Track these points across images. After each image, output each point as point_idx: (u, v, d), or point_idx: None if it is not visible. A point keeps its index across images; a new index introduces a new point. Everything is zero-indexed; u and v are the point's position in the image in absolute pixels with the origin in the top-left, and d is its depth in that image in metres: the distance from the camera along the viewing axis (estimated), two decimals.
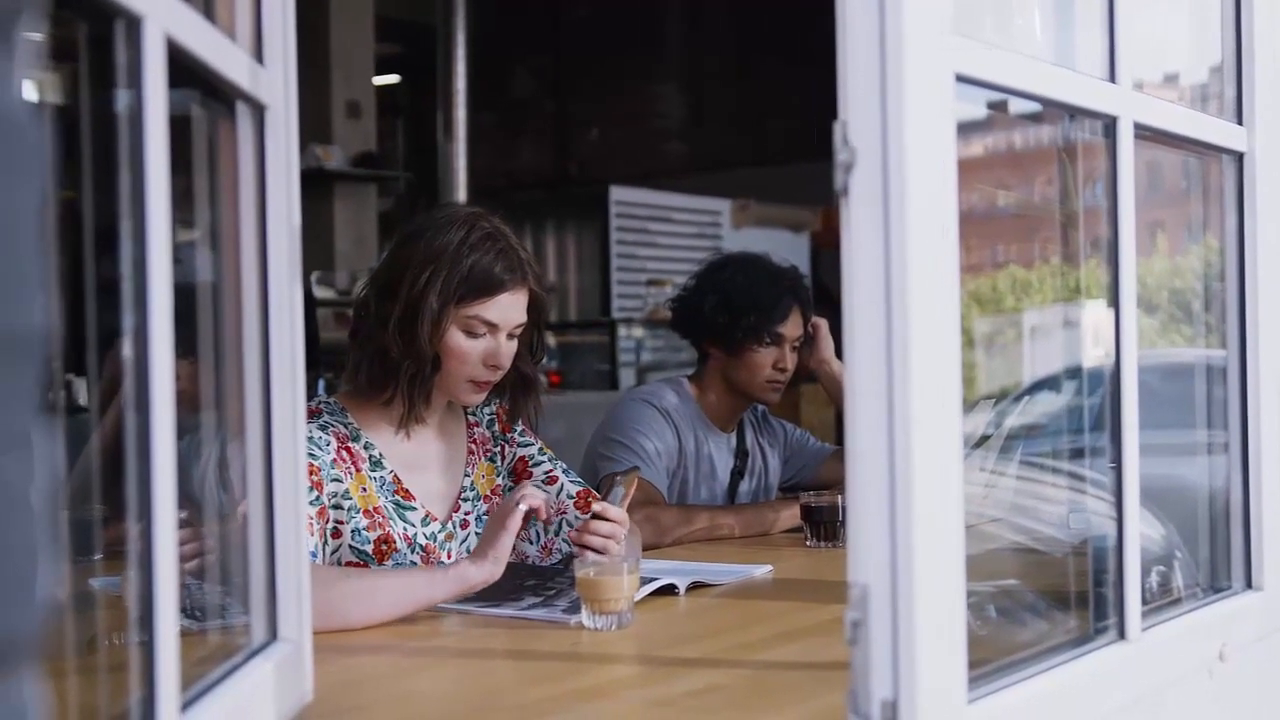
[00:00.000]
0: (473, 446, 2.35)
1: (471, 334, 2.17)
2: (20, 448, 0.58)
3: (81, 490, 1.71)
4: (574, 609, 1.90)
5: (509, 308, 2.19)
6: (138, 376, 1.00)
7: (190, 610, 1.30)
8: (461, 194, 8.55)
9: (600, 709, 1.51)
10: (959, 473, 1.22)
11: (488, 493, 2.35)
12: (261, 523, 1.36)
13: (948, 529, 1.20)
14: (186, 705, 1.09)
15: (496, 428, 2.39)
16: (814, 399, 6.81)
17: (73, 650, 1.17)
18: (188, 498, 1.12)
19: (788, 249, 6.78)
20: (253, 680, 1.26)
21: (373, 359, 2.18)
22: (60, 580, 0.61)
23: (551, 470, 2.38)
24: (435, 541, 2.24)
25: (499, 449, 2.39)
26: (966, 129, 1.28)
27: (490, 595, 2.02)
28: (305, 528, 1.42)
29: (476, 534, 2.29)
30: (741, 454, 3.13)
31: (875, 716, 1.16)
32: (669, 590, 2.09)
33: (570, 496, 2.33)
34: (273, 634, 1.36)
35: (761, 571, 2.33)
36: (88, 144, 1.02)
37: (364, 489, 2.17)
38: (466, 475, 2.32)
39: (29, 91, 0.60)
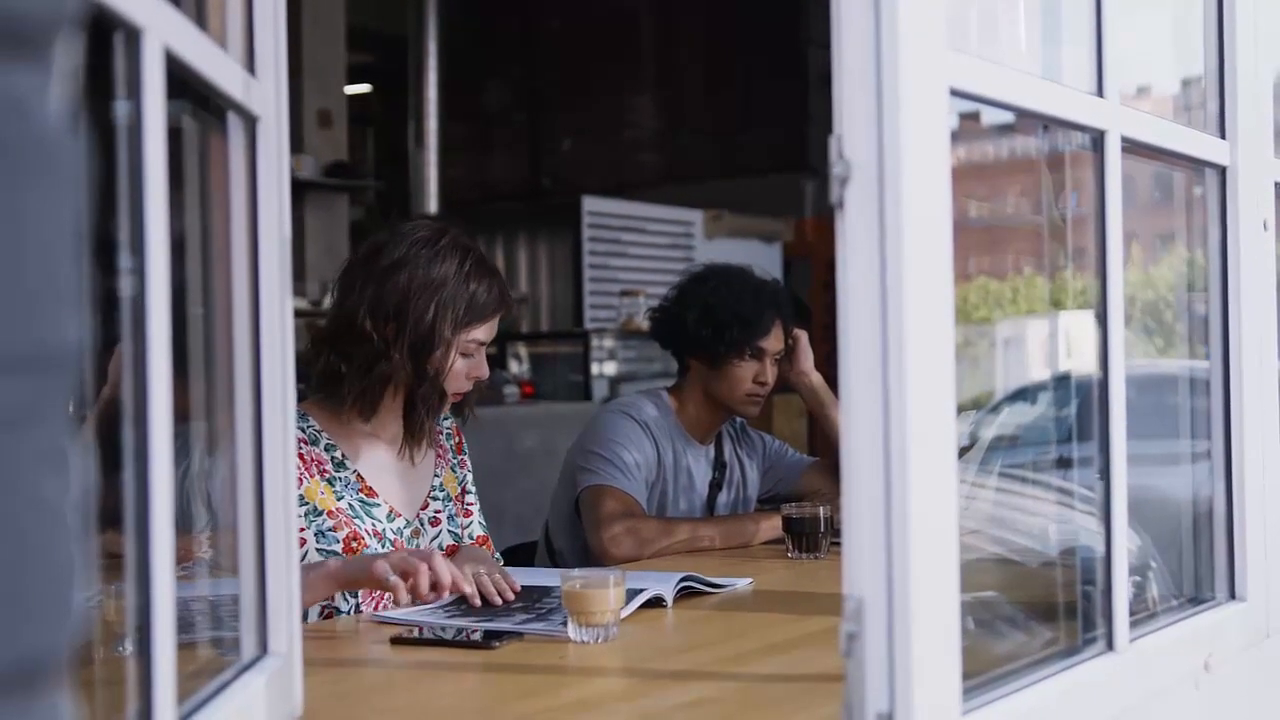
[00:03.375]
0: (440, 450, 2.44)
1: (466, 354, 2.29)
2: (56, 465, 0.57)
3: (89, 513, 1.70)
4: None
5: (495, 325, 2.33)
6: (135, 387, 0.99)
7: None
8: (433, 204, 8.53)
9: None
10: (954, 485, 1.22)
11: (456, 494, 2.45)
12: (252, 537, 1.35)
13: (943, 541, 1.20)
14: None
15: (453, 443, 2.50)
16: (786, 410, 6.82)
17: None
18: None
19: (760, 260, 6.78)
20: (244, 695, 1.25)
21: (380, 384, 2.24)
22: (90, 597, 0.61)
23: (473, 504, 2.50)
24: (402, 537, 2.30)
25: (459, 461, 2.50)
26: None
27: (482, 613, 2.01)
28: (296, 542, 1.41)
29: (450, 531, 2.40)
30: (720, 466, 3.13)
31: None
32: (656, 603, 2.09)
33: (471, 537, 2.43)
34: (263, 649, 1.35)
35: (743, 584, 2.33)
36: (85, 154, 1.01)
37: (321, 492, 2.22)
38: (436, 475, 2.41)
39: (65, 107, 0.59)
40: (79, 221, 0.59)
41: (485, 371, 2.32)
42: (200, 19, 1.24)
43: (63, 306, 0.58)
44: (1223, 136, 1.82)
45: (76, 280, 0.59)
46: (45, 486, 0.57)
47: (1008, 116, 1.56)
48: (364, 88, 10.09)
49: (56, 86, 0.58)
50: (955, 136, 1.51)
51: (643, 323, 7.00)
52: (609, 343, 7.62)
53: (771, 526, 2.80)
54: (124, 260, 1.00)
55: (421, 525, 2.35)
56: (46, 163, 0.57)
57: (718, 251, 7.66)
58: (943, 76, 1.20)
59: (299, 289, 6.96)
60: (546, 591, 2.16)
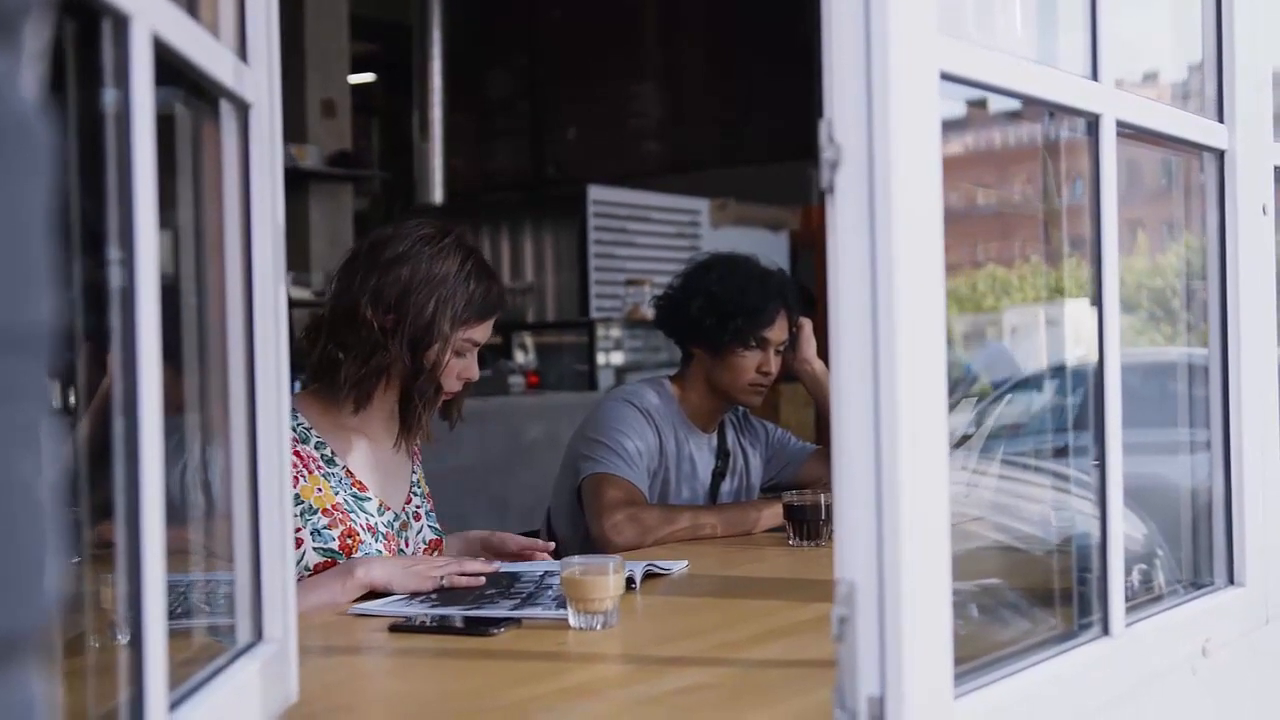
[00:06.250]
0: (415, 450, 2.47)
1: (458, 354, 2.30)
2: (30, 443, 0.58)
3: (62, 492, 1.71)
4: (564, 604, 1.89)
5: (490, 328, 2.35)
6: (125, 378, 0.99)
7: (174, 611, 1.30)
8: (438, 194, 8.54)
9: (587, 708, 1.51)
10: (945, 469, 1.22)
11: (428, 492, 2.48)
12: (246, 524, 1.35)
13: (934, 525, 1.20)
14: (173, 706, 1.08)
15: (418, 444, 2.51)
16: (793, 399, 6.82)
17: (57, 651, 1.17)
18: (169, 499, 1.12)
19: (766, 248, 6.78)
20: (238, 681, 1.25)
21: (376, 374, 2.26)
22: (65, 576, 0.61)
23: (427, 507, 2.49)
24: (393, 530, 2.32)
25: (422, 461, 2.52)
26: (946, 127, 1.28)
27: (465, 602, 2.01)
28: (291, 530, 1.41)
29: (430, 526, 2.43)
30: (723, 454, 3.13)
31: (862, 712, 1.16)
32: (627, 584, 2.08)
33: (424, 541, 2.42)
34: (258, 634, 1.36)
35: (679, 567, 2.34)
36: (72, 143, 1.02)
37: (319, 489, 2.24)
38: (414, 473, 2.44)
39: (35, 90, 0.60)
40: (51, 204, 0.60)
41: (475, 374, 2.34)
42: (191, 6, 1.24)
43: (36, 288, 0.58)
44: (1221, 120, 1.81)
45: (49, 262, 0.60)
46: (19, 465, 0.57)
47: (1015, 103, 1.56)
48: (368, 77, 10.09)
49: (26, 69, 0.58)
50: (962, 124, 1.51)
51: (648, 312, 7.00)
52: (614, 332, 7.63)
53: (772, 514, 2.80)
54: (113, 251, 1.00)
55: (407, 519, 2.38)
56: (18, 145, 0.57)
57: (724, 240, 7.65)
58: (933, 60, 1.20)
59: (303, 280, 6.97)
60: (516, 577, 2.18)
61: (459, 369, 2.31)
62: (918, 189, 1.18)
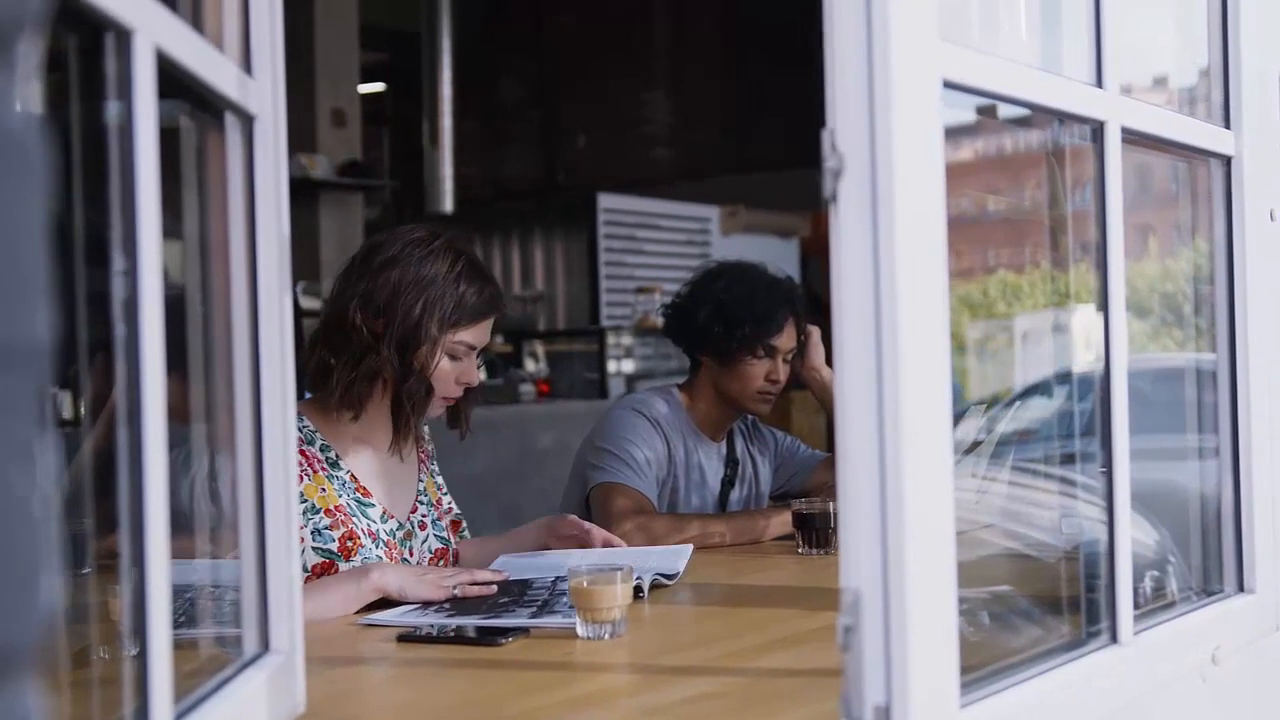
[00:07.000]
0: (423, 457, 2.47)
1: (453, 357, 2.29)
2: (23, 457, 0.58)
3: (71, 503, 1.71)
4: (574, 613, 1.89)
5: (487, 331, 2.34)
6: (129, 389, 0.99)
7: (179, 620, 1.30)
8: (448, 203, 8.54)
9: (595, 717, 1.51)
10: (950, 477, 1.22)
11: (436, 500, 2.46)
12: (253, 535, 1.35)
13: (939, 533, 1.20)
14: (179, 717, 1.08)
15: (431, 450, 2.52)
16: (805, 406, 6.82)
17: (64, 663, 1.17)
18: (178, 510, 1.12)
19: (776, 256, 6.79)
20: (245, 692, 1.25)
21: (367, 378, 2.25)
22: (60, 590, 0.61)
23: (434, 516, 2.47)
24: (395, 538, 2.32)
25: (435, 466, 2.52)
26: (955, 133, 1.28)
27: (476, 611, 2.01)
28: (297, 540, 1.42)
29: (435, 535, 2.42)
30: (732, 462, 3.13)
31: None
32: (635, 592, 2.07)
33: (429, 551, 2.41)
34: (265, 645, 1.36)
35: (685, 554, 2.37)
36: (76, 155, 1.02)
37: (323, 489, 2.24)
38: (420, 481, 2.44)
39: (30, 105, 0.60)
40: (45, 219, 0.60)
41: (474, 378, 2.32)
42: (196, 19, 1.24)
43: (31, 303, 0.59)
44: (1228, 126, 1.81)
45: (45, 277, 0.60)
46: (13, 480, 0.57)
47: (1024, 109, 1.55)
48: (378, 86, 10.09)
49: (22, 84, 0.59)
50: (972, 129, 1.51)
51: (658, 320, 7.01)
52: (625, 340, 7.63)
53: (781, 522, 2.80)
54: (117, 262, 1.01)
55: (412, 528, 2.37)
56: (13, 161, 0.57)
57: (734, 248, 7.66)
58: (935, 68, 1.20)
59: (314, 290, 6.97)
60: (528, 585, 2.18)
61: (456, 373, 2.29)
62: (920, 197, 1.18)
